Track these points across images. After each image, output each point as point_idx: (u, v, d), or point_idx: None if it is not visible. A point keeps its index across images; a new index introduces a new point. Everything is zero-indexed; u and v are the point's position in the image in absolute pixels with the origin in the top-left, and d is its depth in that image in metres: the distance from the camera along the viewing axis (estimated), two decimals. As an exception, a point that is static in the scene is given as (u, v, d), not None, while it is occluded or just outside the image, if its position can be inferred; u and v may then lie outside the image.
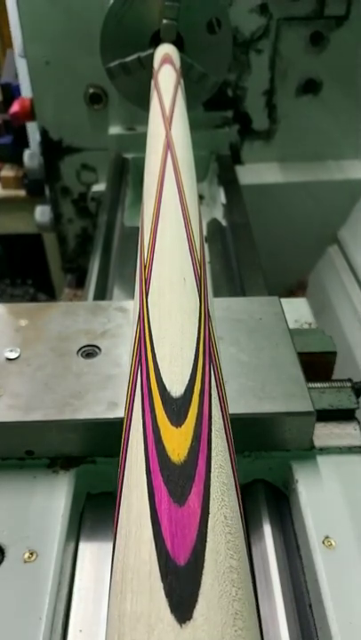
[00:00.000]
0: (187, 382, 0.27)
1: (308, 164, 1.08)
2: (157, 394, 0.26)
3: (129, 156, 1.01)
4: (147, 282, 0.35)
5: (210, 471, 0.22)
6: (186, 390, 0.26)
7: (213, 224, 0.83)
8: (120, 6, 0.80)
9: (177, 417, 0.25)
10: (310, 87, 1.01)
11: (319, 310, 1.00)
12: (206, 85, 0.85)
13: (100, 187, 1.08)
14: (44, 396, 0.43)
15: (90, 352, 0.47)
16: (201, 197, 0.95)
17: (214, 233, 0.80)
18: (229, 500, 0.22)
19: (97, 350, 0.48)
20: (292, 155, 1.08)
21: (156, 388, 0.27)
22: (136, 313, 0.34)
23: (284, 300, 0.54)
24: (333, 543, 0.38)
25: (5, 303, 0.54)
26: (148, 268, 0.36)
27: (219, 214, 0.86)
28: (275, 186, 1.05)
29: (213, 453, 0.23)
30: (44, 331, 0.50)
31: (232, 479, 0.24)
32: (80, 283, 1.24)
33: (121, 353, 0.47)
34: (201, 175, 0.99)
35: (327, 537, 0.38)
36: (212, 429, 0.25)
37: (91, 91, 0.99)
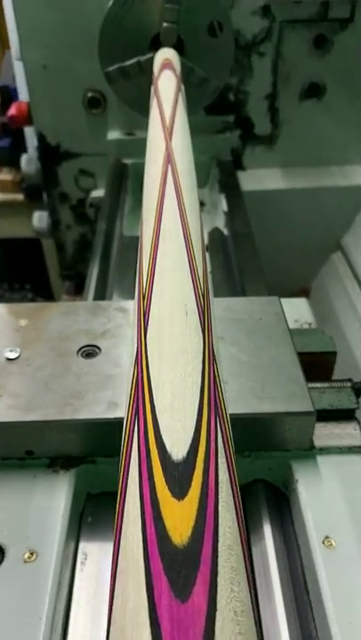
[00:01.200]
0: (190, 442, 0.24)
1: (311, 170, 1.07)
2: (157, 456, 0.23)
3: (128, 161, 0.99)
4: (145, 315, 0.32)
5: (217, 555, 0.19)
6: (189, 452, 0.23)
7: (215, 233, 0.81)
8: (119, 9, 0.79)
9: (179, 486, 0.21)
10: (314, 91, 1.00)
11: (322, 318, 0.99)
12: (207, 90, 0.84)
13: (98, 192, 1.06)
14: (44, 395, 0.43)
15: (90, 352, 0.47)
16: (202, 204, 0.93)
17: (216, 242, 0.78)
18: (240, 590, 0.19)
19: (97, 350, 0.48)
20: (295, 160, 1.07)
21: (155, 448, 0.23)
22: (134, 351, 0.31)
23: (284, 300, 0.54)
24: (333, 543, 0.38)
25: (5, 303, 0.54)
26: (147, 299, 0.34)
27: (220, 222, 0.84)
28: (277, 192, 1.04)
29: (221, 531, 0.20)
30: (44, 331, 0.50)
31: (242, 561, 0.20)
32: (79, 290, 1.22)
33: (121, 353, 0.47)
34: (202, 181, 0.97)
35: (327, 537, 0.38)
36: (219, 500, 0.21)
37: (89, 95, 0.97)
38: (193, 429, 0.24)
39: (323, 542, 0.38)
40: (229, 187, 0.92)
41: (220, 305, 0.52)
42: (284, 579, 0.39)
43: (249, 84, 0.98)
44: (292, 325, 0.53)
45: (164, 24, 0.77)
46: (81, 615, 0.37)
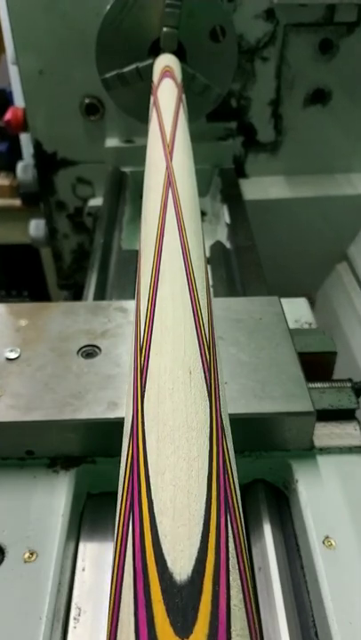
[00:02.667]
0: (196, 554, 0.19)
1: (315, 178, 1.03)
2: (155, 574, 0.19)
3: (127, 169, 0.96)
4: (143, 372, 0.28)
5: None
6: (195, 570, 0.18)
7: (217, 246, 0.78)
8: (117, 13, 0.76)
9: (183, 619, 0.17)
10: (319, 97, 0.96)
11: (327, 329, 0.97)
12: (210, 97, 0.81)
13: (96, 201, 1.02)
14: (44, 395, 0.43)
15: (90, 352, 0.47)
16: (203, 214, 0.90)
17: (218, 256, 0.75)
18: None
19: (97, 350, 0.48)
20: (299, 168, 1.03)
21: (152, 562, 0.19)
22: (128, 423, 0.26)
23: (284, 300, 0.54)
24: (333, 543, 0.38)
25: (5, 303, 0.54)
26: (144, 353, 0.29)
27: (222, 235, 0.82)
28: (281, 201, 1.00)
29: None
30: (44, 331, 0.50)
31: None
32: (77, 300, 1.20)
33: (121, 353, 0.47)
34: (203, 190, 0.94)
35: (327, 537, 0.38)
36: (232, 634, 0.17)
37: (86, 101, 0.93)
38: (199, 536, 0.20)
39: (323, 542, 0.38)
40: (232, 197, 0.89)
41: (220, 305, 0.52)
42: (284, 579, 0.39)
43: (252, 89, 0.94)
44: (292, 325, 0.53)
45: (164, 29, 0.75)
46: (81, 615, 0.37)
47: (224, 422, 0.26)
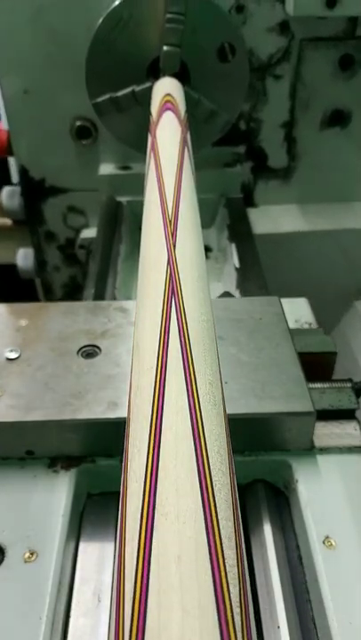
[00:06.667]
0: None
1: (331, 208, 0.95)
2: None
3: (123, 199, 0.87)
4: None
5: None
6: None
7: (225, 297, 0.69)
8: (110, 29, 0.68)
9: None
10: (337, 118, 0.88)
11: (344, 371, 0.91)
12: (217, 124, 0.74)
13: (90, 232, 0.94)
14: (44, 395, 0.43)
15: (90, 352, 0.48)
16: (208, 250, 0.83)
17: None
18: None
19: (97, 350, 0.48)
20: (314, 196, 0.95)
21: None
22: None
23: (284, 300, 0.54)
24: (333, 543, 0.38)
25: (5, 303, 0.54)
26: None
27: (230, 280, 0.73)
28: (294, 235, 0.92)
29: None
30: (45, 331, 0.50)
31: None
32: None
33: (121, 353, 0.47)
34: (207, 222, 0.86)
35: (327, 537, 0.38)
36: None
37: (77, 124, 0.85)
38: None
39: (323, 542, 0.38)
40: (240, 234, 0.80)
41: (219, 305, 0.52)
42: (285, 579, 0.39)
43: (263, 110, 0.86)
44: (292, 325, 0.53)
45: (165, 47, 0.67)
46: (81, 615, 0.37)
47: None
